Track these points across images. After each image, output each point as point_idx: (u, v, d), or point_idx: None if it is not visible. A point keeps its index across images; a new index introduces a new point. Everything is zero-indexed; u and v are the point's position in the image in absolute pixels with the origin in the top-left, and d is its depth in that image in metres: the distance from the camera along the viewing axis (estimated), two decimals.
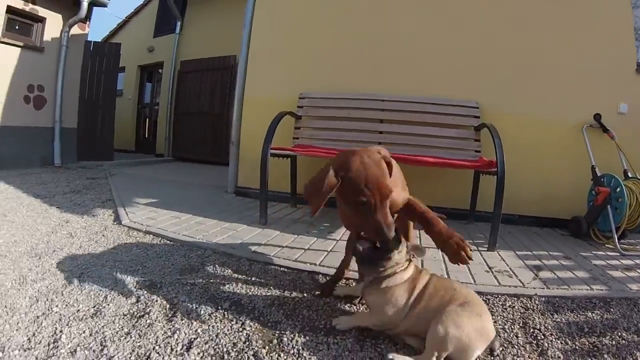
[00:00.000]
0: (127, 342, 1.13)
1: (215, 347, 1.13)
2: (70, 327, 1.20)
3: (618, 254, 2.29)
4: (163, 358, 1.06)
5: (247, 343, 1.15)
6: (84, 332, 1.18)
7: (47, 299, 1.38)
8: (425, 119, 3.02)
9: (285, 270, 1.78)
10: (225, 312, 1.34)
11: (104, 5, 5.54)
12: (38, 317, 1.26)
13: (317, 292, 1.52)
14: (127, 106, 8.35)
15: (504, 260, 2.03)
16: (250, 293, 1.51)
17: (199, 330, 1.21)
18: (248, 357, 1.08)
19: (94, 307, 1.34)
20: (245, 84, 3.57)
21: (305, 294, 1.52)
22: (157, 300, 1.41)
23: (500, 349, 1.16)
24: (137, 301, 1.40)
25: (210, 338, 1.17)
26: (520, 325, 1.34)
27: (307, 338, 1.19)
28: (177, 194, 3.55)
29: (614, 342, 1.25)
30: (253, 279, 1.65)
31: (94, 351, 1.08)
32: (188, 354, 1.08)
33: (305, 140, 3.12)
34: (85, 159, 5.63)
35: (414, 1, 3.23)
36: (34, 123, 5.05)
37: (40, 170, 4.77)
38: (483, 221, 2.80)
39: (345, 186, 1.14)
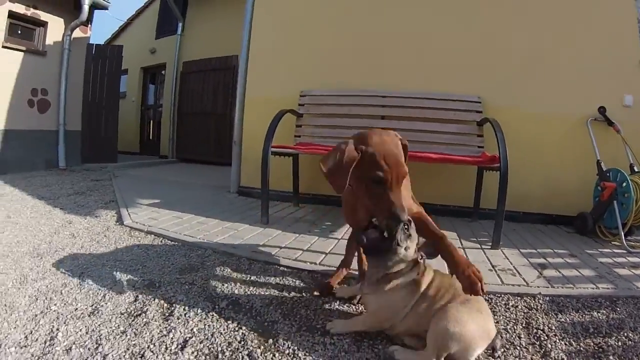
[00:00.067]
0: (122, 340, 1.13)
1: (210, 346, 1.12)
2: (67, 326, 1.20)
3: (625, 251, 2.23)
4: (157, 357, 1.05)
5: (243, 343, 1.14)
6: (80, 330, 1.18)
7: (47, 298, 1.39)
8: (426, 114, 2.98)
9: (285, 269, 1.76)
10: (223, 311, 1.33)
11: (105, 8, 5.56)
12: (36, 315, 1.27)
13: (316, 292, 1.50)
14: (131, 108, 8.40)
15: (507, 259, 2.00)
16: (248, 292, 1.50)
17: (194, 330, 1.21)
18: (242, 357, 1.07)
19: (92, 305, 1.34)
20: (246, 83, 3.57)
21: (304, 294, 1.50)
22: (154, 300, 1.41)
23: (502, 349, 1.13)
24: (135, 300, 1.40)
25: (206, 337, 1.16)
26: (523, 325, 1.31)
27: (304, 338, 1.17)
28: (180, 195, 3.56)
29: (620, 343, 1.21)
30: (252, 278, 1.65)
31: (88, 349, 1.08)
32: (182, 353, 1.07)
33: (307, 139, 3.10)
34: (90, 162, 5.67)
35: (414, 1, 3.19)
36: (38, 126, 5.09)
37: (45, 172, 4.82)
38: (487, 219, 2.75)
39: (363, 160, 1.12)
